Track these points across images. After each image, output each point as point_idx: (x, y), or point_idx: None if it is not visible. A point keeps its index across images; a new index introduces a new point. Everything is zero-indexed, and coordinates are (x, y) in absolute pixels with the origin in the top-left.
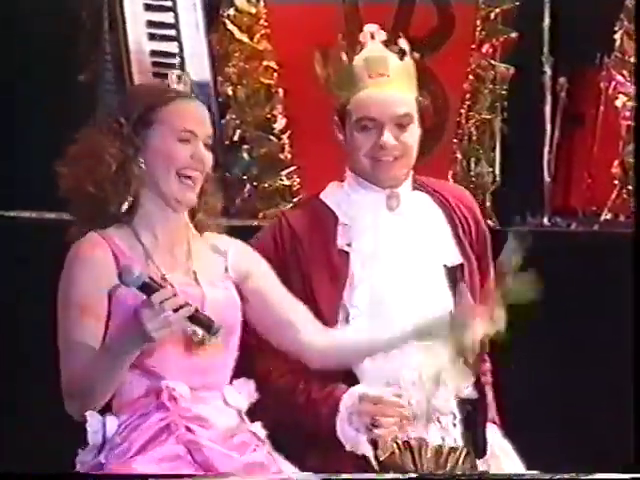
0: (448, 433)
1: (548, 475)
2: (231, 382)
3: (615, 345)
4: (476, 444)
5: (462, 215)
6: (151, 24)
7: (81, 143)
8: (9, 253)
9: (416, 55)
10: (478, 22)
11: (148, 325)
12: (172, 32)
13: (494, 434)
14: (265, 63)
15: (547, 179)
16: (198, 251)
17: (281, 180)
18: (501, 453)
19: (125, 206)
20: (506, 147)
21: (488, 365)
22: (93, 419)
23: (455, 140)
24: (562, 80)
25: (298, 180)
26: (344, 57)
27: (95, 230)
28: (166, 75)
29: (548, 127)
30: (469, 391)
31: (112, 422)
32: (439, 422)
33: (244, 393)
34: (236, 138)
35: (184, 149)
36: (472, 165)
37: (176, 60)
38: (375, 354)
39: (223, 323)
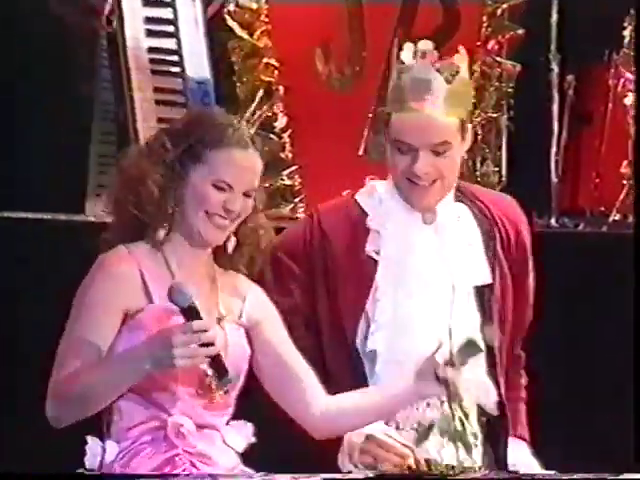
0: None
1: (566, 476)
2: (228, 423)
3: (619, 346)
4: (497, 461)
5: (503, 227)
6: (149, 20)
7: (128, 163)
8: (9, 253)
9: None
10: (484, 18)
11: (176, 350)
12: (170, 28)
13: (521, 451)
14: (265, 60)
15: (554, 179)
16: (221, 291)
17: (282, 180)
18: (526, 471)
19: (162, 232)
20: (512, 146)
21: (523, 381)
22: (93, 443)
23: None
24: (570, 78)
25: (299, 180)
26: (395, 69)
27: (125, 246)
28: (164, 72)
29: (555, 126)
30: (490, 408)
31: (112, 448)
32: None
33: (242, 435)
34: None
35: (217, 195)
36: (478, 165)
37: (174, 57)
38: (382, 418)
39: (234, 368)
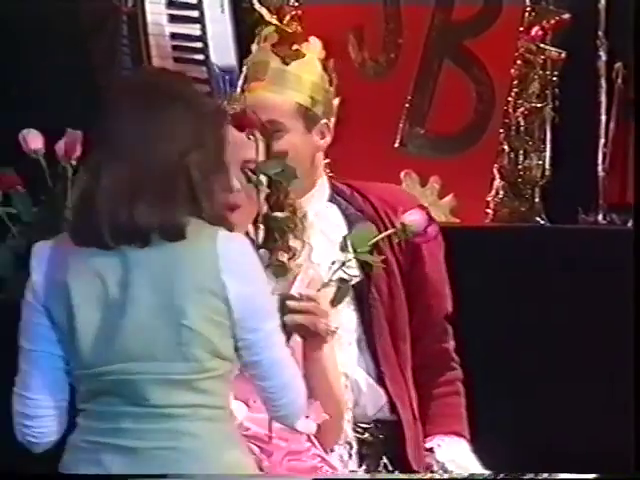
0: (344, 464)
1: (567, 476)
2: None
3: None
4: (400, 464)
5: (388, 219)
6: (172, 4)
7: None
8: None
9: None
10: (527, 2)
11: None
12: (195, 13)
13: (456, 448)
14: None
15: (602, 173)
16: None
17: None
18: (456, 469)
19: None
20: (557, 138)
21: (455, 374)
22: None
23: (501, 130)
24: (618, 65)
25: (330, 174)
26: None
27: None
28: (187, 60)
29: (603, 116)
30: (384, 413)
31: None
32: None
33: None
34: None
35: None
36: (520, 158)
37: (199, 44)
38: None
39: None
